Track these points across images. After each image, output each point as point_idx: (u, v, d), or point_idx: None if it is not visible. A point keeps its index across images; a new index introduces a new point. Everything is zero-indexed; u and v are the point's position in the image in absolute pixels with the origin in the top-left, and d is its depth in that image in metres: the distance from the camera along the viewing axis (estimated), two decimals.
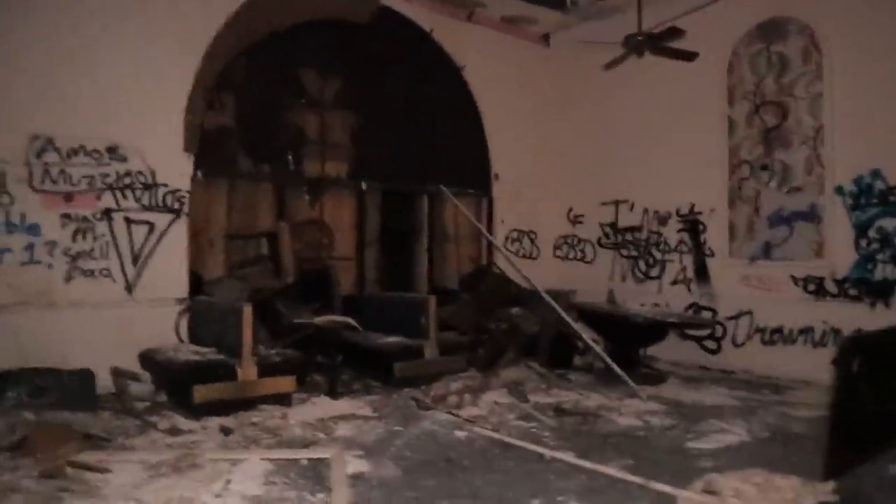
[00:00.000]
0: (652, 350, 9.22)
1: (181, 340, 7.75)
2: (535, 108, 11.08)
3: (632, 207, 10.24)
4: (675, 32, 7.70)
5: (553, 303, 8.55)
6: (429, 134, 10.08)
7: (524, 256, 11.01)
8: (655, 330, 8.51)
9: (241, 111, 8.55)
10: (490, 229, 10.68)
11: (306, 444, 5.70)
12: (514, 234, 10.93)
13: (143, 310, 7.65)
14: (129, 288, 7.64)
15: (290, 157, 8.84)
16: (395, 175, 9.74)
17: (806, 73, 8.40)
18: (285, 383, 6.98)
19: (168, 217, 7.86)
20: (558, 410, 6.83)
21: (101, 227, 7.49)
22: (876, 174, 7.76)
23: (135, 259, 7.67)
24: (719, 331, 9.13)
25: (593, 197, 10.69)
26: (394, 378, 7.80)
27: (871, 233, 7.81)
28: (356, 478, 4.87)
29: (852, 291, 7.92)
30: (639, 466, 5.09)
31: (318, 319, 7.36)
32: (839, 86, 8.08)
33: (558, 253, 11.30)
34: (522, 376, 8.31)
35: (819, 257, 8.26)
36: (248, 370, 6.75)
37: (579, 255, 11.01)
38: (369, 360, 8.15)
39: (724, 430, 6.11)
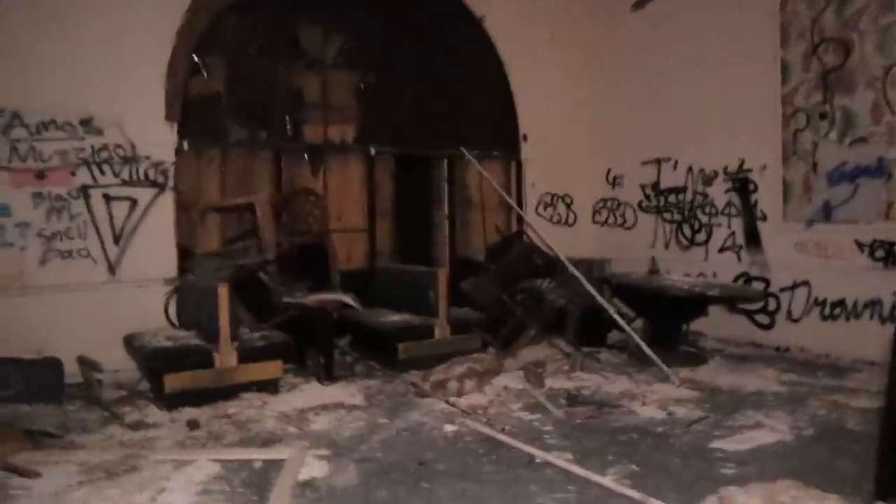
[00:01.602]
0: (698, 325, 8.21)
1: (172, 324, 7.21)
2: (566, 60, 10.03)
3: (675, 166, 9.15)
4: None
5: (577, 273, 7.64)
6: (447, 92, 9.21)
7: (559, 223, 10.07)
8: (695, 304, 7.49)
9: (232, 74, 7.86)
10: (520, 194, 9.78)
11: (274, 441, 5.06)
12: (548, 199, 9.98)
13: (127, 291, 7.13)
14: (112, 268, 7.13)
15: (287, 123, 8.12)
16: (409, 138, 8.92)
17: (873, 2, 7.15)
18: (270, 369, 6.37)
19: (151, 192, 7.30)
20: (571, 398, 5.98)
21: (78, 206, 6.98)
22: None
23: (116, 238, 7.15)
24: (773, 304, 8.03)
25: (633, 156, 9.64)
26: (398, 360, 7.10)
27: None
28: (305, 486, 4.19)
29: None
30: (645, 474, 4.24)
31: (308, 298, 6.67)
32: None
33: (597, 218, 10.30)
34: (544, 356, 7.50)
35: (888, 219, 7.06)
36: (226, 356, 6.16)
37: (619, 220, 9.99)
38: (373, 341, 7.46)
39: (760, 426, 5.16)
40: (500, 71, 9.52)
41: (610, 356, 7.65)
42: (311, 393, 6.34)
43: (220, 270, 6.65)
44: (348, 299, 6.81)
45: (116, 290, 7.10)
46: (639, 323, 8.06)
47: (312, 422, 5.53)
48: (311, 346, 7.10)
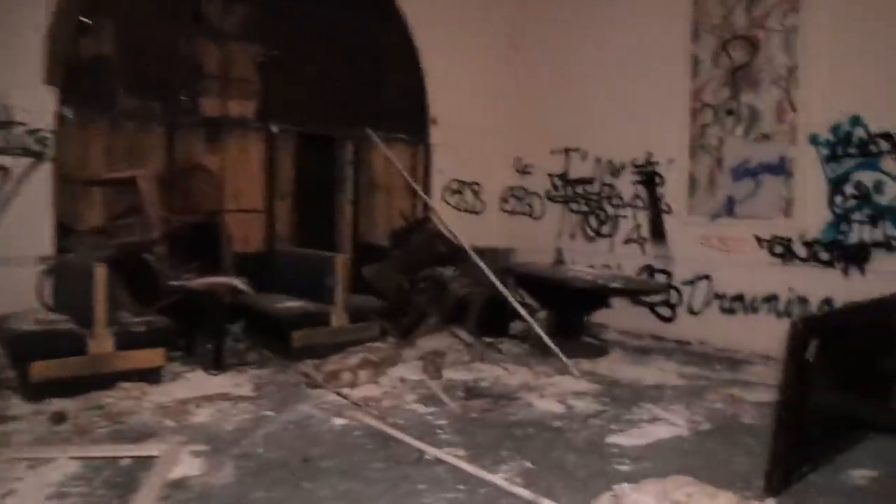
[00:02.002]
0: (601, 317, 8.19)
1: (47, 306, 6.63)
2: (481, 42, 9.82)
3: (584, 156, 9.10)
4: None
5: (480, 262, 7.48)
6: (355, 71, 8.86)
7: (466, 210, 9.89)
8: (598, 296, 7.44)
9: (123, 38, 7.29)
10: (427, 180, 9.54)
11: (147, 436, 4.66)
12: (455, 186, 9.78)
13: None
14: None
15: (183, 95, 7.61)
16: (313, 117, 8.53)
17: (781, 2, 7.22)
18: (150, 357, 5.92)
19: (27, 161, 6.69)
20: (469, 391, 5.81)
21: None
22: (856, 121, 6.67)
23: None
24: (674, 296, 8.08)
25: (543, 144, 9.54)
26: (292, 349, 6.76)
27: (848, 188, 6.75)
28: (176, 486, 3.84)
29: (824, 255, 6.89)
30: (539, 471, 4.08)
31: (196, 282, 6.26)
32: (817, 19, 6.91)
33: (505, 207, 10.18)
34: (444, 346, 7.28)
35: (788, 216, 7.20)
36: (101, 342, 5.68)
37: (527, 209, 9.88)
38: (268, 328, 7.10)
39: (657, 420, 5.10)
40: (411, 50, 9.22)
41: (512, 347, 7.52)
42: (196, 383, 5.94)
43: (101, 249, 6.14)
44: (239, 283, 6.43)
45: None
46: (544, 314, 7.97)
47: (193, 414, 5.15)
48: (200, 333, 6.69)
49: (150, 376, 5.91)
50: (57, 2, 6.73)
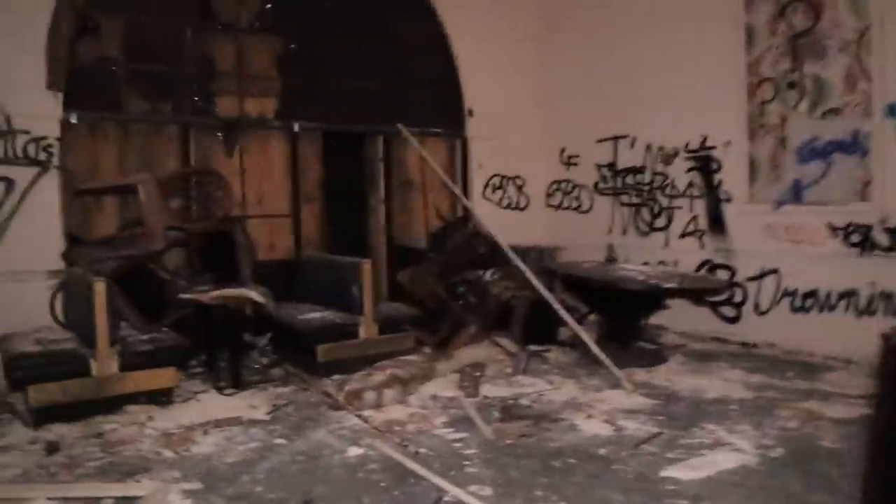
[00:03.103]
0: (659, 318, 7.43)
1: (60, 324, 6.25)
2: (515, 27, 9.17)
3: (633, 144, 8.35)
4: None
5: (520, 263, 6.84)
6: (382, 62, 8.31)
7: (508, 207, 9.24)
8: (652, 297, 6.71)
9: (130, 38, 6.87)
10: (465, 176, 8.93)
11: (140, 470, 4.18)
12: (496, 181, 9.14)
13: (3, 286, 6.15)
14: None
15: (195, 94, 7.17)
16: (339, 113, 8.00)
17: None
18: (160, 377, 5.49)
19: (32, 171, 6.33)
20: (507, 410, 5.18)
21: None
22: None
23: None
24: (739, 295, 7.29)
25: (588, 133, 8.81)
26: (317, 364, 6.25)
27: None
28: None
29: None
30: None
31: (207, 294, 5.78)
32: None
33: (551, 202, 9.48)
34: (485, 357, 6.66)
35: (865, 200, 6.34)
36: (104, 363, 5.25)
37: (574, 203, 9.17)
38: (292, 342, 6.60)
39: (721, 444, 4.39)
40: (442, 38, 8.61)
41: (560, 355, 6.86)
42: (208, 405, 5.48)
43: (104, 262, 5.71)
44: (256, 295, 5.92)
45: None
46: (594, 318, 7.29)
47: (197, 443, 4.66)
48: (219, 348, 6.25)
49: (161, 398, 5.48)
50: (57, 1, 6.34)
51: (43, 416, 5.06)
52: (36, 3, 6.29)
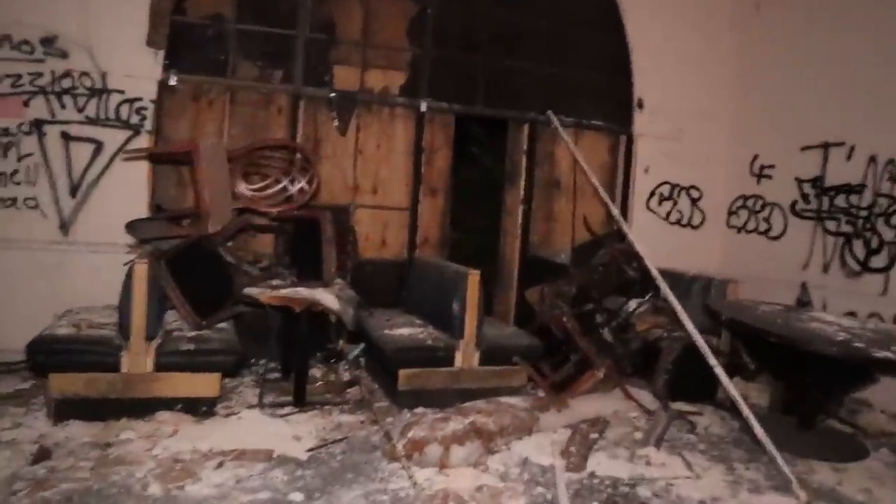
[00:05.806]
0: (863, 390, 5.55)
1: None
2: (708, 2, 7.52)
3: (850, 154, 6.42)
4: None
5: (670, 295, 5.29)
6: (535, 36, 7.01)
7: (678, 223, 7.62)
8: (855, 367, 4.86)
9: None
10: (627, 181, 7.43)
11: None
12: (666, 190, 7.55)
13: (81, 256, 5.71)
14: (65, 226, 5.71)
15: (311, 62, 6.31)
16: (476, 93, 6.83)
17: None
18: (200, 383, 4.72)
19: (123, 134, 5.77)
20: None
21: (29, 144, 5.59)
22: None
23: (74, 188, 5.71)
24: None
25: (791, 138, 6.96)
26: (397, 392, 5.15)
27: None
28: None
29: None
30: None
31: (268, 294, 4.85)
32: None
33: (732, 222, 7.69)
34: (610, 412, 5.22)
35: None
36: (137, 358, 4.51)
37: (763, 226, 7.34)
38: (381, 359, 5.54)
39: None
40: (613, 9, 7.18)
41: (713, 424, 5.25)
42: (247, 426, 4.54)
43: (161, 241, 4.97)
44: (327, 299, 4.91)
45: (68, 254, 5.69)
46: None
47: (198, 480, 3.73)
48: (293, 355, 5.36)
49: (201, 408, 4.67)
50: None
51: (64, 409, 4.43)
52: None
